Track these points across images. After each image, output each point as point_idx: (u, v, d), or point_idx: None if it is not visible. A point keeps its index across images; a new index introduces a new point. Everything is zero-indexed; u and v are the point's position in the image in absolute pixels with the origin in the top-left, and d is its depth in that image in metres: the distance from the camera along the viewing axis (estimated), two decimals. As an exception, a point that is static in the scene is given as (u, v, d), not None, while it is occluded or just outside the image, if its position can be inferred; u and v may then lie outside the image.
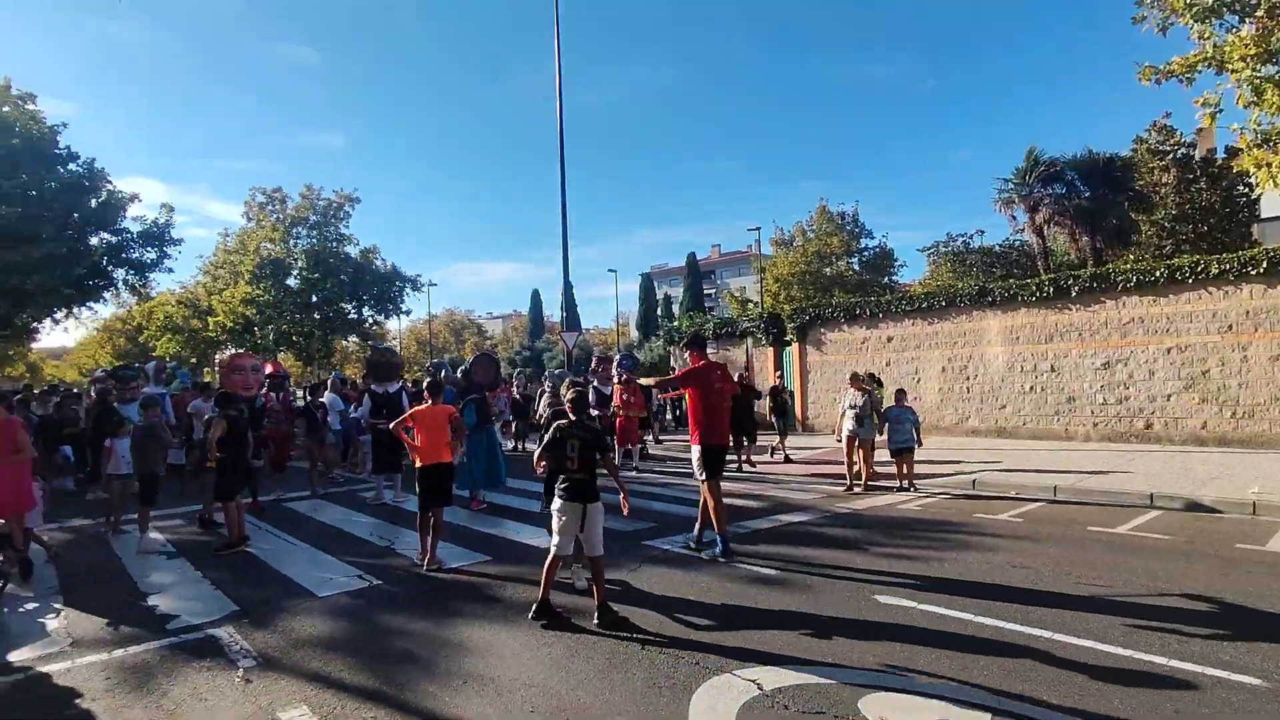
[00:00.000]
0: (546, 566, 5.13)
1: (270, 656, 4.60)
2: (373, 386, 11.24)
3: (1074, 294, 14.66)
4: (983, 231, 32.72)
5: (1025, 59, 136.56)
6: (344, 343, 41.17)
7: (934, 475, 10.84)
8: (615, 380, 13.02)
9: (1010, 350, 15.61)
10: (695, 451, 6.85)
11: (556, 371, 15.19)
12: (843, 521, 8.34)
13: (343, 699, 3.96)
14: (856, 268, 34.21)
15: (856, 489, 9.96)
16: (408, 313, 37.86)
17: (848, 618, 5.02)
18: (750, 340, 20.61)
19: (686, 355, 7.38)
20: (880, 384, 12.45)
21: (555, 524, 5.15)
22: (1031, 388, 15.31)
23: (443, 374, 10.87)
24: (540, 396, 10.12)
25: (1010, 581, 5.76)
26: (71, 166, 24.31)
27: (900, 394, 10.34)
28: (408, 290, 35.91)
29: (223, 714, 3.82)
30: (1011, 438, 15.31)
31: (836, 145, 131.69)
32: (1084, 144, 24.70)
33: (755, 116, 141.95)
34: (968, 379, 16.29)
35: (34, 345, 37.63)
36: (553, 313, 71.80)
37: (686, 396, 7.16)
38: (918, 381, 16.67)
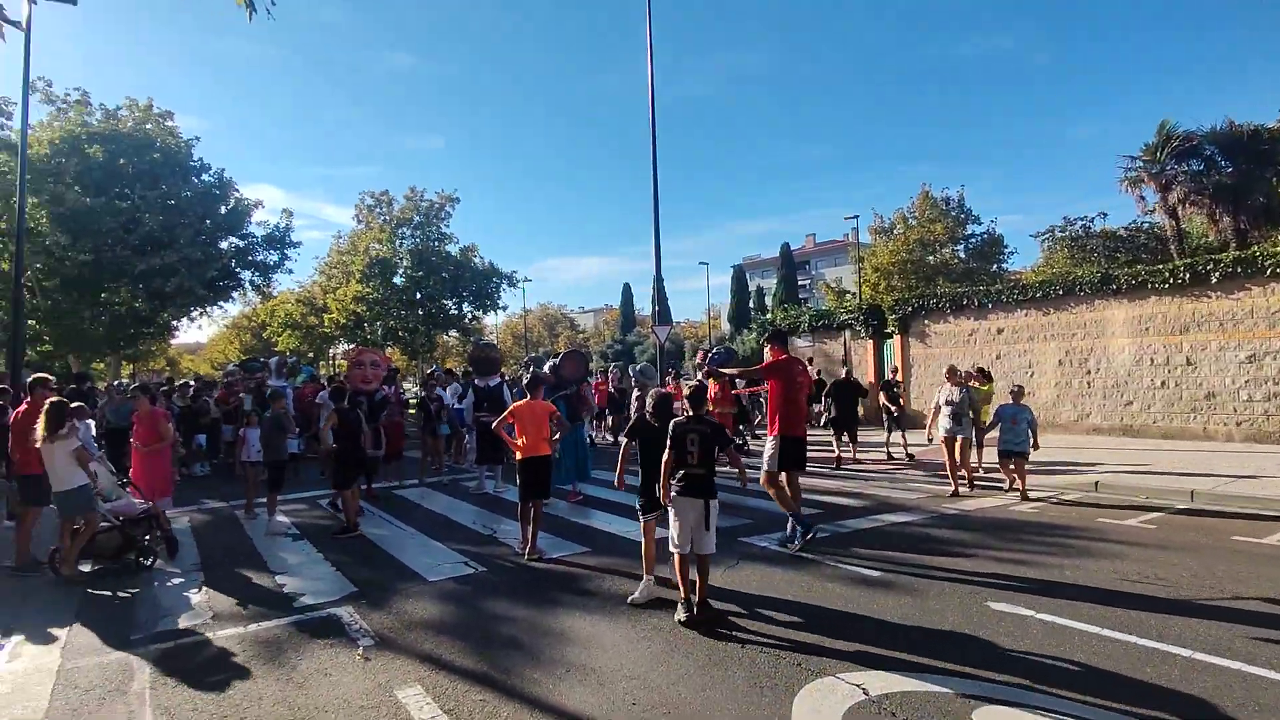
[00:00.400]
0: (676, 567, 5.08)
1: (386, 637, 4.85)
2: (475, 381, 11.64)
3: (1214, 280, 13.39)
4: (1105, 214, 30.21)
5: (1151, 26, 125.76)
6: (445, 337, 42.84)
7: (1051, 474, 10.20)
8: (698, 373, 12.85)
9: (1138, 342, 14.45)
10: (771, 443, 6.96)
11: (640, 366, 15.17)
12: (950, 523, 7.97)
13: (454, 681, 4.12)
14: (962, 255, 32.56)
15: (963, 490, 9.48)
16: (504, 308, 38.99)
17: (958, 624, 4.80)
18: (848, 333, 20.02)
19: (767, 349, 7.43)
20: (990, 378, 11.80)
21: (672, 521, 5.09)
22: (1163, 383, 14.13)
23: (530, 370, 11.20)
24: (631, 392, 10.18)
25: (1141, 593, 5.34)
26: (204, 177, 26.49)
27: (1018, 392, 9.67)
28: (504, 286, 37.02)
29: (345, 689, 4.06)
30: (1139, 437, 14.19)
31: (941, 126, 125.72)
32: (1223, 115, 22.50)
33: (853, 99, 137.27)
34: (1088, 373, 15.21)
35: (172, 341, 41.31)
36: (643, 306, 72.09)
37: (767, 390, 7.20)
38: (1031, 375, 15.72)
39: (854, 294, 34.03)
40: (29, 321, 21.23)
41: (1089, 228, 28.03)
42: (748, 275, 67.17)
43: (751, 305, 60.56)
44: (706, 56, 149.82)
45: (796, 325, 21.44)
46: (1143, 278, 14.42)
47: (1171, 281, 13.90)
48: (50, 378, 7.41)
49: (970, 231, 32.71)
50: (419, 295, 34.86)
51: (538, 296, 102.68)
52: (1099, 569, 6.00)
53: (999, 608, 5.09)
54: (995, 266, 32.34)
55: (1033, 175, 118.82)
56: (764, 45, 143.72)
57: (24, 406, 7.02)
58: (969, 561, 6.33)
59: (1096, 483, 9.59)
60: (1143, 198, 21.59)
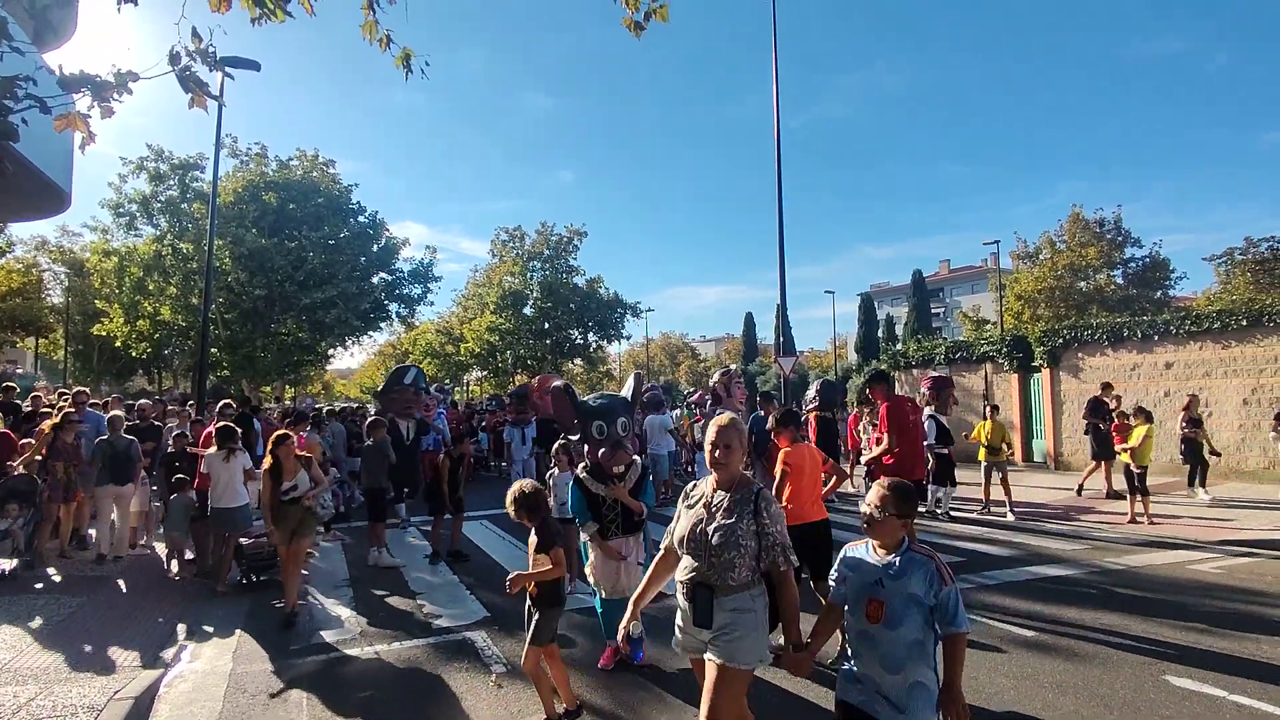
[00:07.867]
0: None
1: (517, 664, 4.94)
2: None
3: None
4: (1298, 233, 26.84)
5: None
6: (570, 365, 44.24)
7: (1239, 528, 8.99)
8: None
9: (1343, 379, 12.57)
10: None
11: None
12: (1114, 580, 7.18)
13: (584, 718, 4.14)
14: (1120, 281, 29.93)
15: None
16: (628, 337, 39.75)
17: (1130, 699, 4.28)
18: (989, 366, 18.76)
19: (870, 392, 7.15)
20: (1150, 419, 10.35)
21: None
22: (1378, 427, 12.15)
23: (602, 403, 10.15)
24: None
25: (1365, 678, 4.56)
26: (360, 219, 28.99)
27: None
28: (628, 316, 37.81)
29: (480, 716, 4.17)
30: (1348, 488, 12.25)
31: (1095, 142, 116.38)
32: None
33: (996, 117, 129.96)
34: (1280, 414, 13.35)
35: (328, 368, 45.22)
36: (766, 335, 71.21)
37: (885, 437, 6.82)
38: (1209, 415, 14.03)
39: (994, 323, 31.99)
40: (211, 350, 23.91)
41: (1278, 249, 24.93)
42: (876, 303, 64.77)
43: (881, 335, 58.22)
44: (842, 76, 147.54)
45: (931, 357, 20.35)
46: (1349, 306, 12.58)
47: (1388, 310, 12.03)
48: (231, 403, 8.23)
49: (1129, 255, 30.07)
50: (547, 325, 36.26)
51: (660, 325, 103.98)
52: (1307, 646, 5.19)
53: (1178, 683, 4.50)
54: (1160, 293, 29.49)
55: (1207, 191, 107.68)
56: (902, 62, 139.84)
57: (210, 429, 7.85)
58: (1139, 624, 5.67)
59: (1297, 542, 8.35)
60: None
